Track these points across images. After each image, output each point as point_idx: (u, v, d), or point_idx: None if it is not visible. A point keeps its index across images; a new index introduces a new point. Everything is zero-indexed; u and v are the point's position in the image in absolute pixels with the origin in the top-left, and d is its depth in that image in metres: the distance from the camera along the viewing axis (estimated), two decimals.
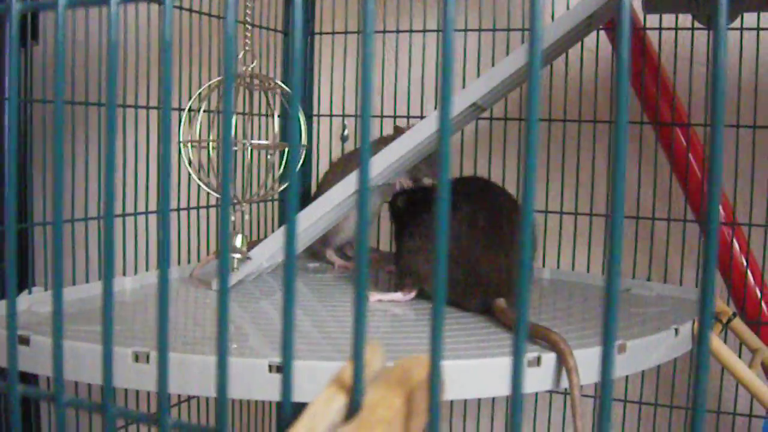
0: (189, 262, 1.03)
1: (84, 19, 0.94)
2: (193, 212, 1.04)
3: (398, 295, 0.90)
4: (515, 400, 0.22)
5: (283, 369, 0.23)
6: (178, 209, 1.01)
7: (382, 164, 0.86)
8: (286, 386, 0.23)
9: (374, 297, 0.90)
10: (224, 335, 0.25)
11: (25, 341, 0.66)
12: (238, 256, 0.91)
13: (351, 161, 1.09)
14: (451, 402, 1.22)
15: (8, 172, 0.30)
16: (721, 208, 1.00)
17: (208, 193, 0.93)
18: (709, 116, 0.97)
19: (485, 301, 0.83)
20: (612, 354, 0.21)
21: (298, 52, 0.26)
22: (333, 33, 1.24)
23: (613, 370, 0.22)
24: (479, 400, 1.20)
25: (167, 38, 0.21)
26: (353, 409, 0.23)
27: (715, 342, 0.82)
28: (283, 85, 0.94)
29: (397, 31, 1.18)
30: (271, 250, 0.90)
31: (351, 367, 0.23)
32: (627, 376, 1.09)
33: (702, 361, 0.21)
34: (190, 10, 1.01)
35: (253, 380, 0.62)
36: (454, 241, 0.85)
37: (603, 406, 0.22)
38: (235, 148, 0.93)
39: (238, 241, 0.92)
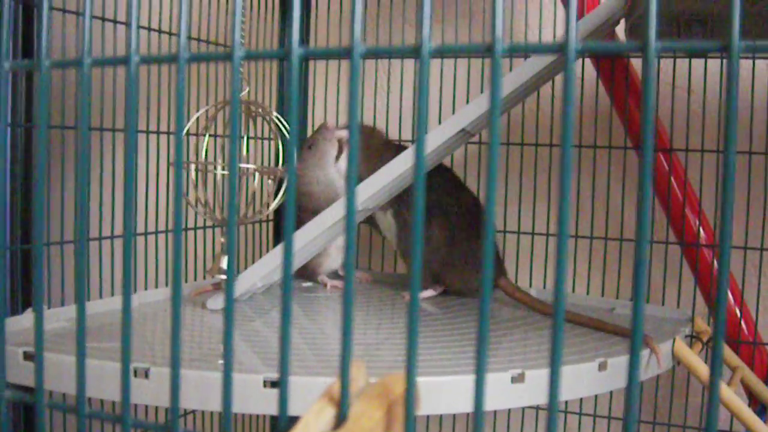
0: (186, 281, 1.06)
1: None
2: (190, 233, 1.07)
3: (430, 292, 1.03)
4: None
5: (280, 383, 0.26)
6: (166, 231, 1.04)
7: (374, 188, 0.89)
8: (283, 399, 0.26)
9: (408, 297, 0.99)
10: (229, 348, 0.28)
11: (30, 357, 0.69)
12: (224, 277, 0.95)
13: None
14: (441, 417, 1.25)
15: (37, 196, 0.33)
16: (702, 230, 1.03)
17: (201, 215, 0.96)
18: (690, 142, 1.00)
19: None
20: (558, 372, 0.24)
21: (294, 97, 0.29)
22: (327, 57, 1.28)
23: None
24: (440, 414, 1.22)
25: (180, 93, 0.24)
26: (340, 419, 0.26)
27: (695, 360, 0.85)
28: (273, 112, 0.97)
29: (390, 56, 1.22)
30: (264, 270, 0.93)
31: (339, 382, 0.26)
32: (611, 393, 1.12)
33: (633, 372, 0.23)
34: (189, 37, 1.05)
35: (248, 395, 0.65)
36: (449, 232, 0.98)
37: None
38: (224, 172, 0.96)
39: (225, 262, 0.96)
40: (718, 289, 0.26)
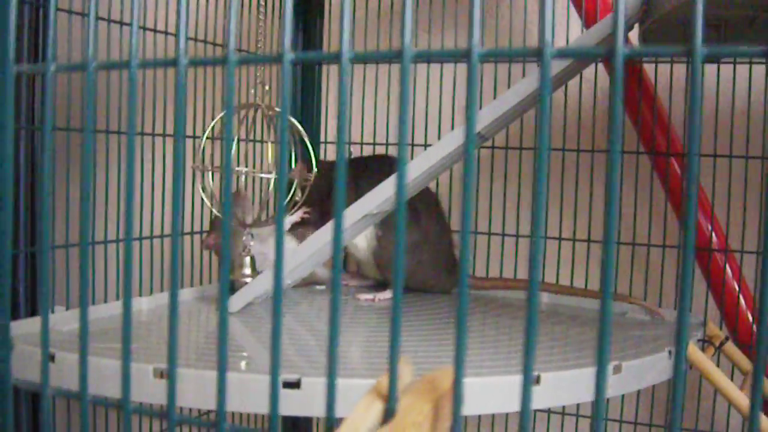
0: (201, 283, 1.06)
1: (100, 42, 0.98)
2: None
3: (387, 293, 0.99)
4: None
5: (328, 384, 0.27)
6: (192, 232, 1.04)
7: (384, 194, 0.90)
8: (330, 400, 0.27)
9: (363, 296, 0.99)
10: (277, 352, 0.28)
11: (50, 358, 0.69)
12: (248, 279, 0.97)
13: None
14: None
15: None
16: (714, 235, 1.03)
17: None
18: (703, 147, 1.00)
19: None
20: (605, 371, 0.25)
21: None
22: (319, 61, 1.28)
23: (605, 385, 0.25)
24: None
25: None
26: (389, 414, 0.27)
27: (708, 364, 0.85)
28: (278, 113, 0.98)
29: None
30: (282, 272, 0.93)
31: (386, 378, 0.27)
32: (623, 397, 1.12)
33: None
34: (197, 40, 1.05)
35: (267, 396, 0.65)
36: (421, 236, 1.00)
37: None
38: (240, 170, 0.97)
39: (247, 266, 0.97)
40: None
